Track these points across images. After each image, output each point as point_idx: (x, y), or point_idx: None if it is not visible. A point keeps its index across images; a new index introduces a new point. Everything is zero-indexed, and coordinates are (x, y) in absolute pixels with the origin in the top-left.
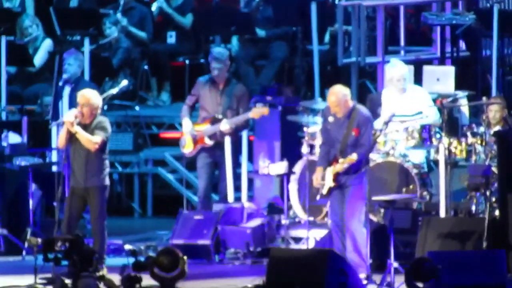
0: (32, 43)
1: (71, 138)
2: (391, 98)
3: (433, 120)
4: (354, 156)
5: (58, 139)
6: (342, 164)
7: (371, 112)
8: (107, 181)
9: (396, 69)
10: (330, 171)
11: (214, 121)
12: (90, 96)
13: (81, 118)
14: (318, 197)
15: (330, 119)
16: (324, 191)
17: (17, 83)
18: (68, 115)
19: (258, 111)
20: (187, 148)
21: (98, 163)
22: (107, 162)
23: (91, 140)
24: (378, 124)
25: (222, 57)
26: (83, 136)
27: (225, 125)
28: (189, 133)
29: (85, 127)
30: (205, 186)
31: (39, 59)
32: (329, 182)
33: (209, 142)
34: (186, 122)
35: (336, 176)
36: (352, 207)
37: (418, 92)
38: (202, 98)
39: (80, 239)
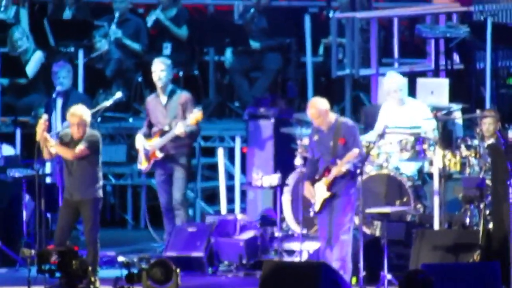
0: (23, 55)
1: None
2: (389, 111)
3: (430, 134)
4: (356, 151)
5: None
6: (340, 167)
7: (366, 124)
8: (100, 194)
9: (392, 80)
10: (323, 183)
11: (162, 133)
12: (81, 113)
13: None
14: (311, 214)
15: (315, 137)
16: (317, 207)
17: (10, 95)
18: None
19: (193, 116)
20: (143, 165)
21: (90, 176)
22: (100, 175)
23: (68, 151)
24: (371, 136)
25: (167, 63)
26: (60, 150)
27: (180, 128)
28: (142, 149)
29: (78, 142)
30: (165, 201)
31: (30, 70)
32: (323, 194)
33: (159, 154)
34: (138, 138)
35: (330, 185)
36: (341, 217)
37: (417, 105)
38: (151, 114)
39: (74, 251)
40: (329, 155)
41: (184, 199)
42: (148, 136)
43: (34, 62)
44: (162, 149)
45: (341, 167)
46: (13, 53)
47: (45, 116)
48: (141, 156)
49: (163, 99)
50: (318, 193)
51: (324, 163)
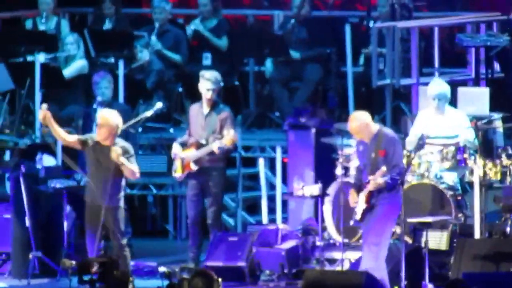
0: (69, 61)
1: (90, 156)
2: (428, 119)
3: (470, 143)
4: (384, 168)
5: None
6: (374, 181)
7: (406, 134)
8: (121, 203)
9: (431, 87)
10: (363, 194)
11: (198, 146)
12: (108, 117)
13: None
14: (351, 223)
15: (360, 147)
16: (358, 216)
17: (51, 106)
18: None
19: (229, 138)
20: (177, 173)
21: (117, 184)
22: (123, 184)
23: (134, 172)
24: (408, 142)
25: (217, 78)
26: (127, 167)
27: (216, 146)
28: (178, 156)
29: (107, 149)
30: (194, 214)
31: (68, 72)
32: (362, 205)
33: (194, 167)
34: (175, 146)
35: (369, 197)
36: (374, 224)
37: (456, 114)
38: (191, 124)
39: (115, 261)
40: (370, 166)
41: (219, 216)
42: (185, 145)
43: (74, 68)
44: (197, 162)
45: (375, 181)
46: (55, 63)
47: (44, 106)
48: (177, 163)
49: (205, 110)
50: (359, 203)
51: (367, 173)
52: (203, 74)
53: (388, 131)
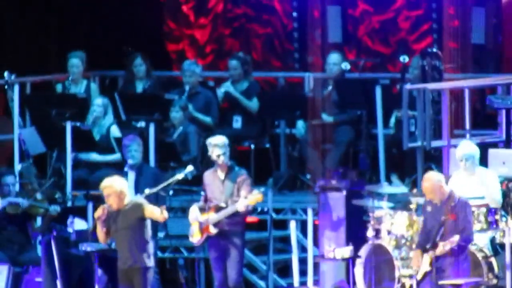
0: (98, 126)
1: (111, 224)
2: (459, 180)
3: (495, 204)
4: (455, 238)
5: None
6: (443, 247)
7: None
8: (149, 263)
9: (458, 149)
10: (428, 256)
11: (218, 209)
12: (110, 184)
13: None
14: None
15: (429, 208)
16: (419, 276)
17: (82, 169)
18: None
19: (254, 198)
20: (195, 237)
21: (142, 242)
22: (149, 240)
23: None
24: None
25: (224, 143)
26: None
27: (241, 204)
28: (196, 220)
29: (120, 212)
30: (220, 279)
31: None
32: (425, 267)
33: (213, 230)
34: (192, 210)
35: (434, 261)
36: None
37: (486, 173)
38: (208, 189)
39: None
40: (440, 229)
41: (241, 280)
42: (203, 210)
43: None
44: (216, 225)
45: (443, 247)
46: (85, 126)
47: (106, 206)
48: (194, 228)
49: (221, 175)
50: (423, 264)
51: (434, 236)
52: (209, 142)
53: (460, 196)
